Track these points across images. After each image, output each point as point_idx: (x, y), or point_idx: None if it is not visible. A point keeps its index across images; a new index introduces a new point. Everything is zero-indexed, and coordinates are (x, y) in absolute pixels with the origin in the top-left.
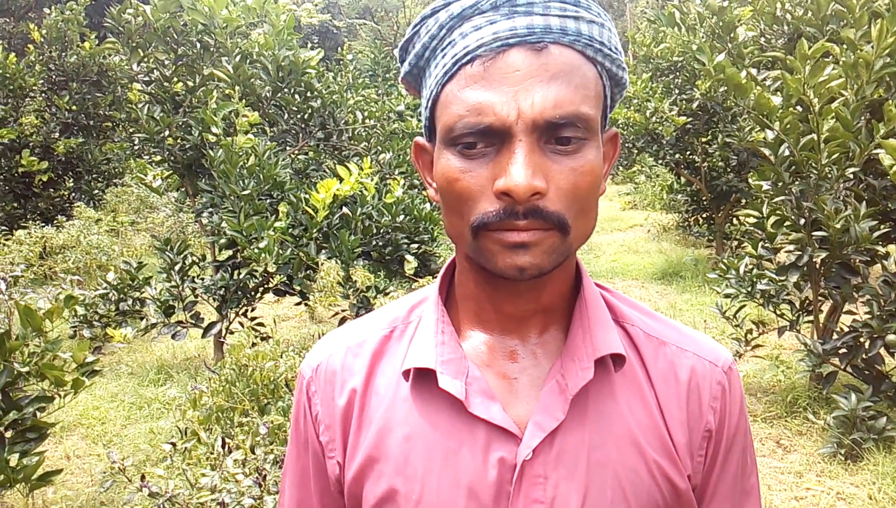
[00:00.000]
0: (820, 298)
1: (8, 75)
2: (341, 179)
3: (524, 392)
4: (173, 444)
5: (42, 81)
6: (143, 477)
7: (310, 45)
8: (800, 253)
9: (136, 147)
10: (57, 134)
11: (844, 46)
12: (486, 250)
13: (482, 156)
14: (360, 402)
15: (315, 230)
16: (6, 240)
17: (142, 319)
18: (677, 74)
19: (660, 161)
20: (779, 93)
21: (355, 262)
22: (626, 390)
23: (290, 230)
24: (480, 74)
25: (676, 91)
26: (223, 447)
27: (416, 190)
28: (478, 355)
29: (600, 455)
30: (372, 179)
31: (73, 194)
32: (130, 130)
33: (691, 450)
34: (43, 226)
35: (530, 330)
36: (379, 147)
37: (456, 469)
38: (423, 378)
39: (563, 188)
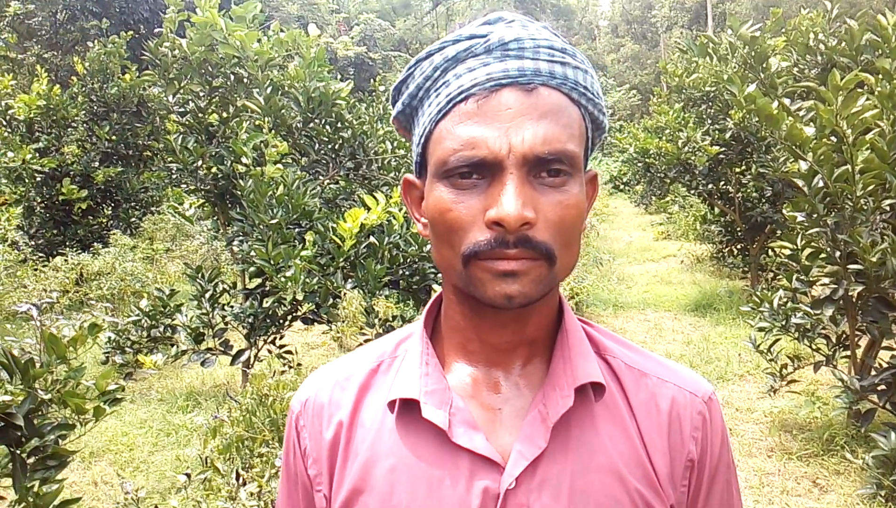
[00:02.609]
0: (857, 332)
1: (52, 106)
2: (369, 209)
3: (507, 422)
4: (188, 475)
5: (84, 112)
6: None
7: (345, 76)
8: (835, 286)
9: (173, 176)
10: (97, 163)
11: (880, 76)
12: (476, 278)
13: (474, 187)
14: (346, 435)
15: (342, 259)
16: (44, 266)
17: (172, 345)
18: (710, 103)
19: (693, 191)
20: (812, 123)
21: (381, 291)
22: (607, 419)
23: (318, 259)
24: (474, 111)
25: (709, 121)
26: (237, 479)
27: None
28: (462, 386)
29: (582, 484)
30: (400, 209)
31: (111, 222)
32: (167, 160)
33: (674, 480)
34: (80, 253)
35: (514, 362)
36: None
37: (440, 498)
38: (408, 409)
39: (550, 220)
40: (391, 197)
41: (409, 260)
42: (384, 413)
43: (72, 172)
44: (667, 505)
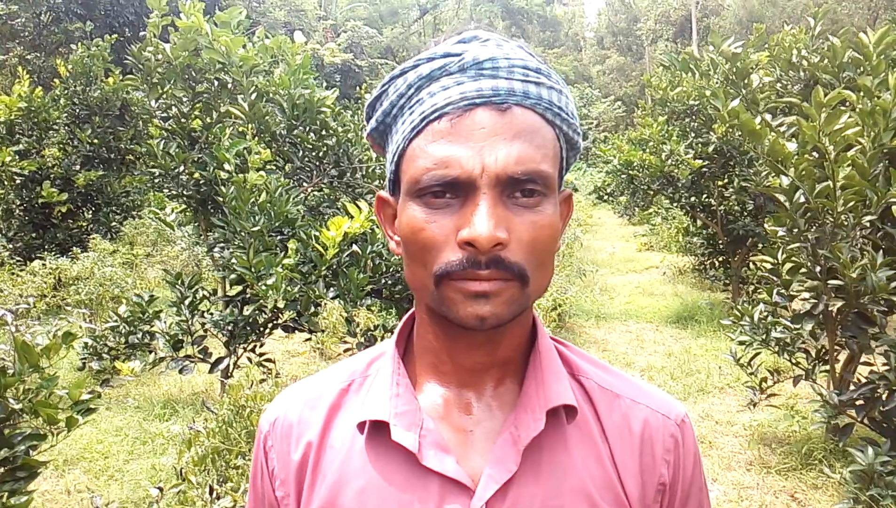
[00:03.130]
0: (836, 347)
1: (33, 108)
2: (352, 217)
3: (479, 445)
4: (160, 489)
5: (66, 115)
6: None
7: (331, 83)
8: (815, 301)
9: (154, 181)
10: (78, 166)
11: (861, 94)
12: (447, 299)
13: (447, 207)
14: (315, 456)
15: (324, 268)
16: (21, 270)
17: (151, 352)
18: (693, 117)
19: (675, 203)
20: (794, 139)
21: (363, 300)
22: (579, 442)
23: (300, 267)
24: (447, 130)
25: (692, 134)
26: (210, 493)
27: None
28: (434, 407)
29: (553, 507)
30: None
31: (91, 226)
32: (149, 165)
33: (645, 503)
34: (58, 257)
35: (486, 383)
36: None
37: None
38: (378, 431)
39: (523, 240)
40: (374, 206)
41: (391, 269)
42: (354, 434)
43: (52, 176)
44: None
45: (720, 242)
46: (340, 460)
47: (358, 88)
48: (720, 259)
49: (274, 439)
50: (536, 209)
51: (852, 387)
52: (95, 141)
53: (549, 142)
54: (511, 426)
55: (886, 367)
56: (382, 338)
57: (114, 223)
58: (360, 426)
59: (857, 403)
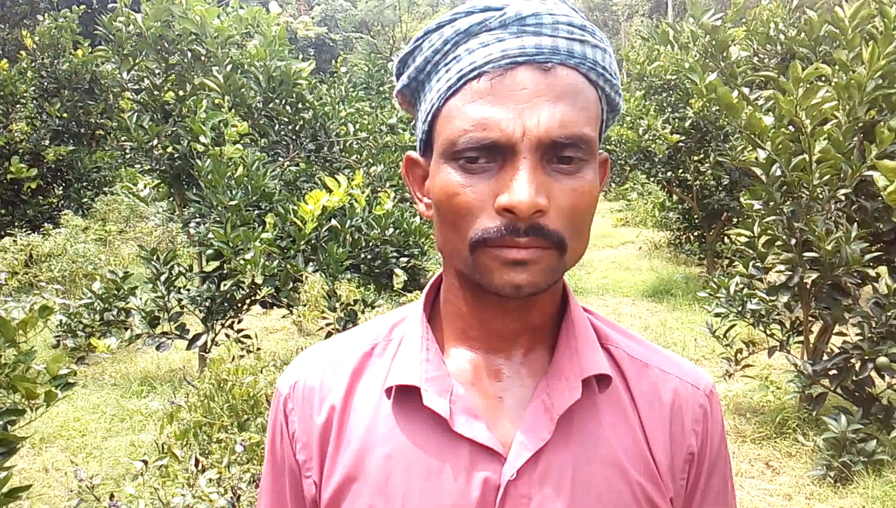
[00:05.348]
0: (810, 318)
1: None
2: (331, 191)
3: (509, 412)
4: (145, 462)
5: (34, 88)
6: (111, 497)
7: (306, 57)
8: (790, 273)
9: (127, 156)
10: (47, 141)
11: (837, 68)
12: (483, 266)
13: (484, 171)
14: (338, 420)
15: (303, 242)
16: None
17: (126, 329)
18: (670, 92)
19: (652, 179)
20: (771, 113)
21: (343, 275)
22: (610, 411)
23: (278, 242)
24: (487, 90)
25: (669, 109)
26: (196, 465)
27: (407, 203)
28: (462, 373)
29: (585, 476)
30: (362, 192)
31: (62, 202)
32: (121, 139)
33: (673, 473)
34: (29, 233)
35: (516, 349)
36: (370, 160)
37: (438, 489)
38: (406, 396)
39: (563, 207)
40: (353, 180)
41: (371, 244)
42: (379, 399)
43: (21, 151)
44: (667, 499)
45: (696, 217)
46: (365, 425)
47: (333, 61)
48: (695, 234)
49: (294, 402)
50: (576, 175)
51: (826, 357)
52: (65, 115)
53: (592, 104)
54: (543, 393)
55: (859, 337)
56: (363, 313)
57: (85, 200)
58: (388, 391)
59: (831, 373)
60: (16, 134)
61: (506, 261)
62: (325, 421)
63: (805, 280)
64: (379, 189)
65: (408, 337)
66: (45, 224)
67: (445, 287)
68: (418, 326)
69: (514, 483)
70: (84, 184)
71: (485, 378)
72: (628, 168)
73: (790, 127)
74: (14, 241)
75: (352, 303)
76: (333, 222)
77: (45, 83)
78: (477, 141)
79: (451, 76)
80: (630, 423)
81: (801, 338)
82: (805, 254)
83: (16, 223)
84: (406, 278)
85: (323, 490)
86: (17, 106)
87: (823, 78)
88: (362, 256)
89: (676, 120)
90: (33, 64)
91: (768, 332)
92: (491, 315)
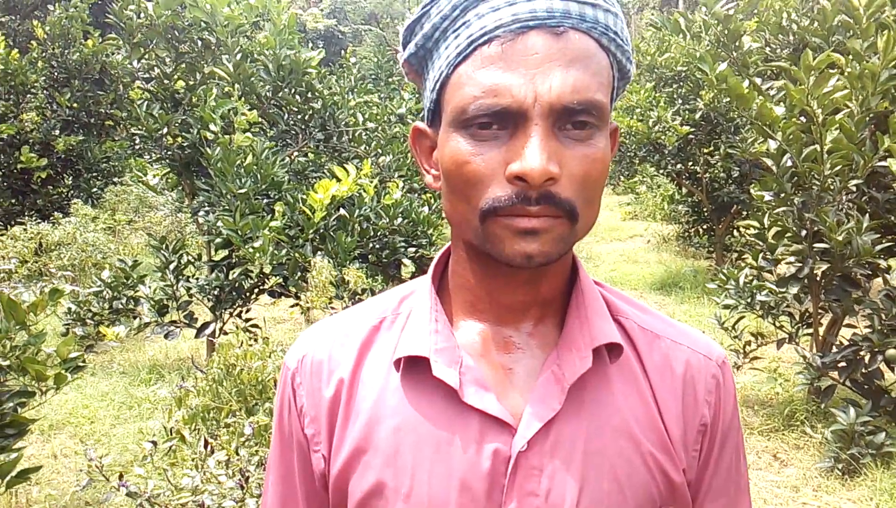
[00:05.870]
0: (820, 310)
1: (10, 71)
2: (339, 180)
3: (519, 383)
4: (154, 443)
5: (44, 78)
6: (120, 476)
7: (314, 48)
8: (800, 265)
9: (136, 146)
10: (57, 131)
11: (850, 57)
12: (494, 235)
13: (494, 139)
14: (347, 393)
15: (311, 231)
16: (1, 236)
17: (135, 318)
18: (681, 83)
19: (661, 171)
20: (782, 103)
21: (351, 264)
22: (621, 381)
23: (287, 231)
24: (498, 56)
25: (679, 101)
26: (206, 447)
27: (416, 194)
28: (471, 345)
29: (596, 447)
30: (371, 182)
31: (72, 192)
32: (130, 129)
33: (686, 444)
34: (39, 223)
35: (526, 320)
36: (379, 150)
37: (448, 460)
38: (415, 368)
39: (575, 175)
40: (362, 169)
41: (379, 233)
42: (388, 371)
43: (31, 140)
44: (679, 469)
45: (705, 209)
46: (374, 398)
47: (343, 51)
48: (704, 227)
49: (302, 376)
50: (588, 142)
51: (835, 349)
52: (75, 105)
53: (604, 69)
54: (553, 364)
55: (869, 329)
56: None
57: (95, 189)
58: (397, 363)
59: (840, 365)
60: (26, 124)
61: (517, 230)
62: (334, 394)
63: (815, 272)
64: (388, 179)
65: (416, 310)
66: (55, 213)
67: (454, 260)
68: (427, 298)
69: (525, 454)
70: (94, 174)
71: (494, 350)
72: (637, 161)
73: (801, 117)
74: (24, 230)
75: (359, 292)
76: (342, 211)
77: (56, 73)
78: (488, 108)
79: (460, 42)
80: (642, 393)
81: (811, 330)
82: (815, 245)
83: (26, 213)
84: (414, 268)
85: (332, 464)
86: (28, 96)
87: (836, 67)
88: (370, 245)
89: (686, 112)
90: (44, 54)
91: (777, 324)
92: (500, 287)
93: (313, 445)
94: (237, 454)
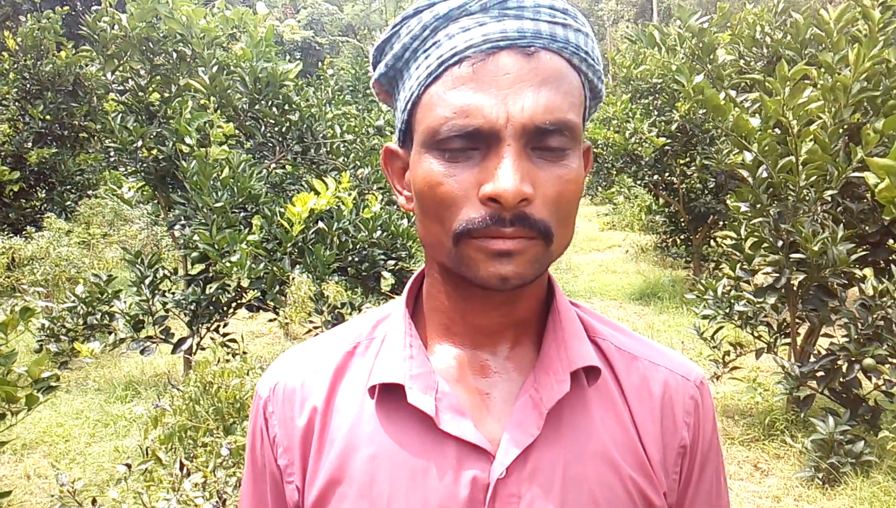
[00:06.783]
0: (797, 320)
1: None
2: (318, 193)
3: (496, 408)
4: (128, 465)
5: (16, 90)
6: (94, 502)
7: (292, 60)
8: (777, 275)
9: (111, 158)
10: (30, 144)
11: (822, 70)
12: (468, 258)
13: (467, 160)
14: (321, 421)
15: (290, 245)
16: None
17: (110, 333)
18: (657, 95)
19: (638, 182)
20: (757, 115)
21: (330, 278)
22: (599, 404)
23: (264, 244)
24: (469, 76)
25: (656, 113)
26: (181, 469)
27: (395, 206)
28: (447, 370)
29: (575, 472)
30: (350, 194)
31: (45, 205)
32: (105, 141)
33: (666, 466)
34: (11, 237)
35: (502, 344)
36: (357, 162)
37: (425, 489)
38: (390, 395)
39: (548, 196)
40: (340, 182)
41: (358, 246)
42: (362, 399)
43: (3, 153)
44: (660, 493)
45: (682, 220)
46: (349, 426)
47: (320, 63)
48: (682, 237)
49: (275, 405)
50: (561, 163)
51: (813, 359)
52: (48, 117)
53: (576, 89)
54: (531, 388)
55: (846, 338)
56: (350, 315)
57: (69, 203)
58: (371, 390)
59: (818, 374)
60: None
61: (491, 252)
62: (307, 423)
63: (792, 282)
64: (366, 192)
65: (391, 334)
66: (28, 227)
67: (428, 282)
68: (401, 322)
69: (504, 481)
70: (67, 187)
71: (470, 375)
72: (615, 172)
73: (776, 129)
74: None
75: (339, 306)
76: (321, 224)
77: (28, 85)
78: (460, 129)
79: (430, 62)
80: (620, 416)
81: (789, 340)
82: (792, 255)
83: None
84: (394, 281)
85: (306, 495)
86: None
87: (809, 80)
88: (349, 258)
89: (662, 123)
90: (16, 66)
91: (756, 334)
92: (475, 310)
93: (286, 476)
94: (214, 475)
